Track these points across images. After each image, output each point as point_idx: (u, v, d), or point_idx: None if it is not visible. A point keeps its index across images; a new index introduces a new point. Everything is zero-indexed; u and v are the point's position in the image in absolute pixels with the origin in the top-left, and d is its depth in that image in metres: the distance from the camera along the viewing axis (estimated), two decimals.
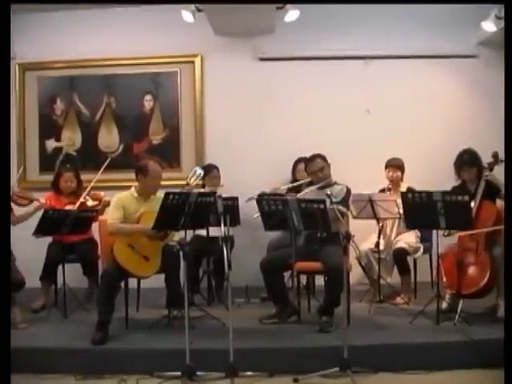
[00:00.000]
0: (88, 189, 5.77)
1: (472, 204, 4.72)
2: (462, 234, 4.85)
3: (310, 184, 5.32)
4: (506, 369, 3.14)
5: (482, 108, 6.55)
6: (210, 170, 6.07)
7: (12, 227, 5.47)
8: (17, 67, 6.99)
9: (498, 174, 4.75)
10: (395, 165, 5.95)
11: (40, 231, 5.21)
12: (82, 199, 5.67)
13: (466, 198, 4.50)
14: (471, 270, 4.79)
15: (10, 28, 5.12)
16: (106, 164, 6.01)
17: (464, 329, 4.49)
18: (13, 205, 5.43)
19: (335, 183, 5.20)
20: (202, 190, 5.69)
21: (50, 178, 6.12)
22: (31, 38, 6.89)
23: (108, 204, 5.60)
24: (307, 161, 5.35)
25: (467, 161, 5.13)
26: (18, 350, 4.41)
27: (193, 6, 6.13)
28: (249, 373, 4.09)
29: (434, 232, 4.93)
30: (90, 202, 5.71)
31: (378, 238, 5.64)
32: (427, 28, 6.57)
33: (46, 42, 6.87)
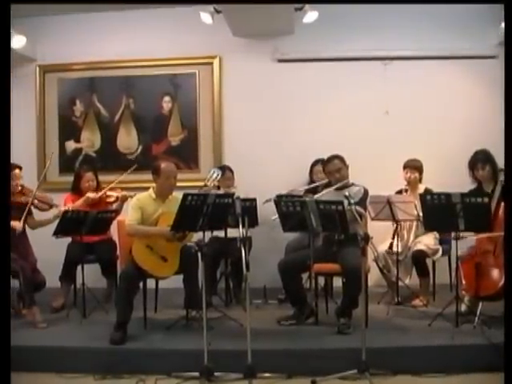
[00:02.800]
0: (110, 185, 5.84)
1: None
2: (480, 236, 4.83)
3: (328, 185, 5.32)
4: (505, 373, 3.14)
5: (502, 109, 6.47)
6: (224, 172, 6.07)
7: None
8: (37, 69, 7.07)
9: None
10: (413, 166, 5.91)
11: (60, 232, 5.25)
12: (107, 189, 5.79)
13: (486, 199, 4.46)
14: (490, 272, 4.75)
15: (10, 28, 5.16)
16: (131, 169, 6.11)
17: (483, 331, 4.46)
18: (32, 208, 5.48)
19: (353, 184, 5.18)
20: (218, 192, 5.70)
21: (69, 179, 6.17)
22: (51, 40, 6.96)
23: (126, 198, 5.65)
24: (325, 161, 5.34)
25: (480, 159, 5.14)
26: (38, 349, 4.49)
27: (211, 8, 6.15)
28: (266, 374, 4.10)
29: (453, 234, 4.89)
30: (113, 198, 5.78)
31: (392, 239, 5.62)
32: (447, 29, 6.53)
33: (66, 44, 6.93)
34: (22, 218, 5.22)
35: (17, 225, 5.16)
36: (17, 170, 5.39)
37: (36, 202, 5.42)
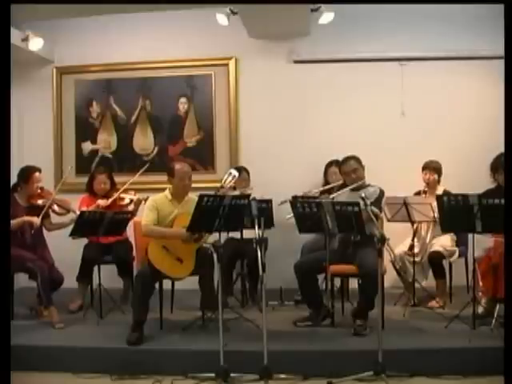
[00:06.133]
0: (122, 189, 5.86)
1: None
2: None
3: (343, 186, 5.31)
4: (505, 376, 3.12)
5: None
6: (240, 172, 6.05)
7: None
8: (55, 71, 7.12)
9: None
10: (432, 167, 5.88)
11: (76, 232, 5.29)
12: (117, 195, 5.80)
13: (503, 200, 4.42)
14: None
15: (10, 28, 5.18)
16: (142, 170, 6.13)
17: (501, 334, 4.41)
18: (50, 211, 5.53)
19: (369, 185, 5.16)
20: (234, 193, 5.70)
21: (85, 179, 6.18)
22: (69, 42, 7.01)
23: (140, 202, 5.67)
24: (341, 162, 5.33)
25: (503, 163, 5.06)
26: (55, 349, 4.52)
27: (227, 9, 6.17)
28: (282, 375, 4.10)
29: (470, 235, 4.86)
30: (127, 200, 5.81)
31: (412, 240, 5.60)
32: (463, 29, 6.49)
33: (83, 46, 6.97)
34: (41, 215, 5.28)
35: (34, 220, 5.23)
36: (37, 173, 5.44)
37: (54, 206, 5.47)
